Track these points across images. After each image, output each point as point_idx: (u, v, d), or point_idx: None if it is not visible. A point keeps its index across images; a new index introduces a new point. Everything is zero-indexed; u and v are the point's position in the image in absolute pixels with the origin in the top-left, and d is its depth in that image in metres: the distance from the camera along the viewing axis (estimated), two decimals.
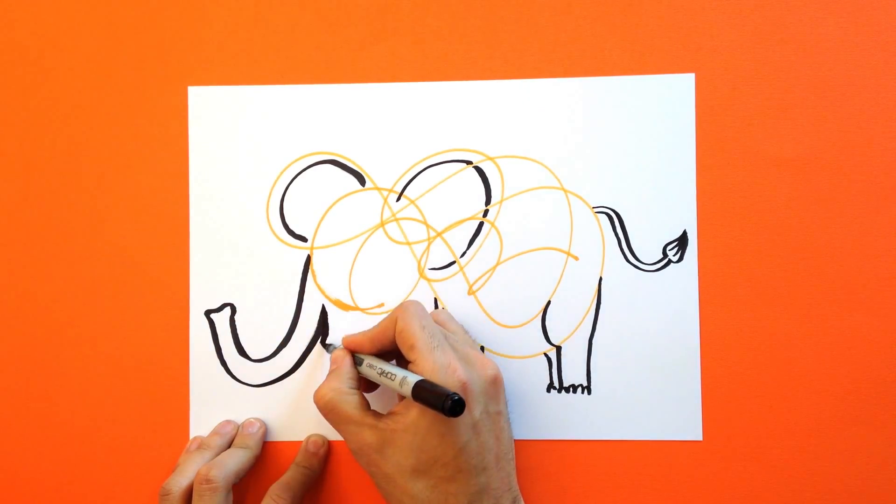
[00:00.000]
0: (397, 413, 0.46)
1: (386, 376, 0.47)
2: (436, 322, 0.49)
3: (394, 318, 0.48)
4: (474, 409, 0.45)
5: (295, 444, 0.53)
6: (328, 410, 0.47)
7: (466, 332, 0.51)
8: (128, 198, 0.54)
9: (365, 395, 0.49)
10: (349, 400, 0.47)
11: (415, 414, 0.45)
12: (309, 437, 0.52)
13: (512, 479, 0.48)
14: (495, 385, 0.47)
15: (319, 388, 0.48)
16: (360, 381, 0.50)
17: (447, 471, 0.45)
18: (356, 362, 0.50)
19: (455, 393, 0.42)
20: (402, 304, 0.48)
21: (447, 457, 0.44)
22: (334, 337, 0.53)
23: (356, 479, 0.53)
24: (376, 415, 0.47)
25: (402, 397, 0.47)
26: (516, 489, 0.48)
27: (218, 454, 0.50)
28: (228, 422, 0.53)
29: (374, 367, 0.48)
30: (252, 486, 0.53)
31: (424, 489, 0.45)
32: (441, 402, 0.42)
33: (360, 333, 0.50)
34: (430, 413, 0.44)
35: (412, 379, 0.44)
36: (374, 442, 0.46)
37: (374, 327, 0.50)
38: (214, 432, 0.52)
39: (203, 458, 0.50)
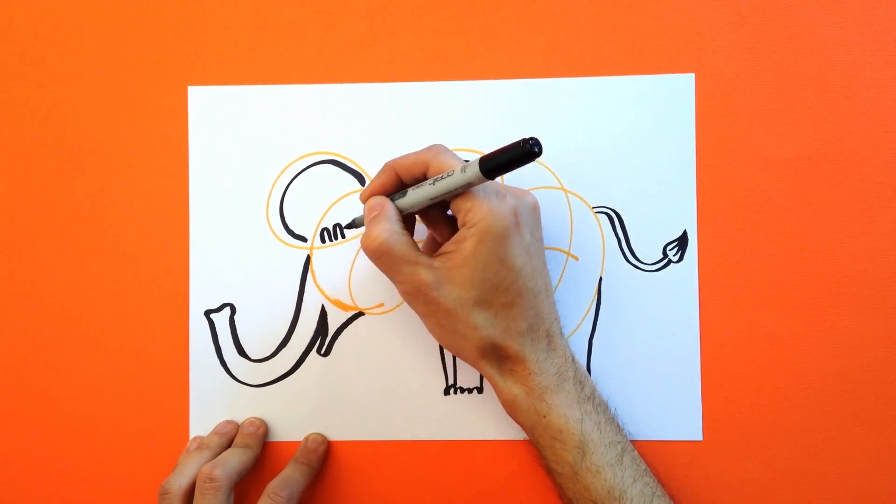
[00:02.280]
0: (451, 251, 0.45)
1: (442, 178, 0.45)
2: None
3: (424, 159, 0.46)
4: (525, 233, 0.45)
5: (294, 445, 0.53)
6: (381, 252, 0.46)
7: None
8: (128, 198, 0.54)
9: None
10: (402, 240, 0.46)
11: (471, 245, 0.44)
12: (308, 436, 0.52)
13: (556, 311, 0.48)
14: (536, 212, 0.47)
15: (368, 232, 0.46)
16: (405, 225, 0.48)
17: (508, 296, 0.45)
18: (395, 199, 0.48)
19: (530, 138, 0.41)
20: (430, 147, 0.47)
21: (507, 281, 0.45)
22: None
23: (356, 479, 0.53)
24: (428, 255, 0.46)
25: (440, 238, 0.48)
26: (560, 322, 0.49)
27: (218, 454, 0.50)
28: (228, 422, 0.53)
29: (421, 185, 0.46)
30: (251, 485, 0.53)
31: (487, 318, 0.45)
32: (520, 147, 0.40)
33: (379, 176, 0.48)
34: (490, 238, 0.44)
35: (473, 158, 0.43)
36: (432, 280, 0.45)
37: (396, 166, 0.48)
38: (214, 432, 0.52)
39: (203, 457, 0.50)
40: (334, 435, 0.53)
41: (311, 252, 0.53)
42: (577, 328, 0.52)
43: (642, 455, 0.52)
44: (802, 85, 0.52)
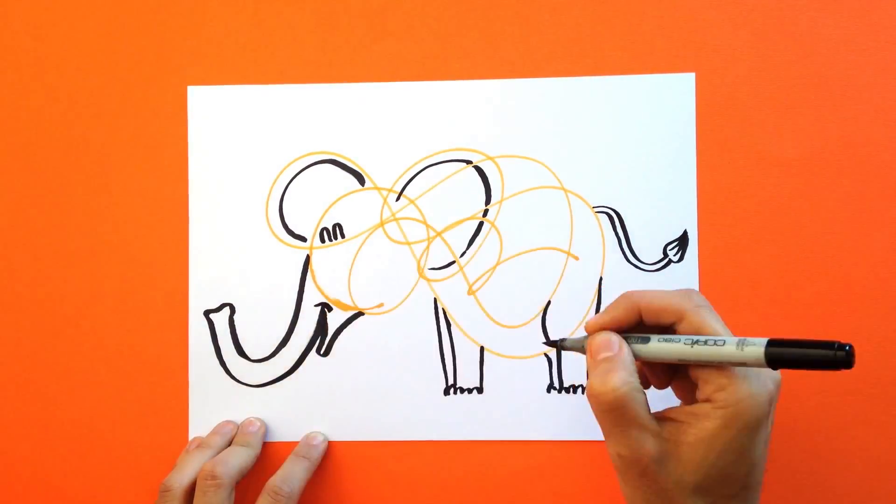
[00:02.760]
0: (682, 422, 0.40)
1: (707, 344, 0.38)
2: None
3: (679, 308, 0.40)
4: (769, 422, 0.40)
5: (294, 445, 0.52)
6: (614, 408, 0.39)
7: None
8: (127, 198, 0.54)
9: None
10: (640, 398, 0.40)
11: (714, 426, 0.38)
12: (308, 433, 0.52)
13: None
14: (779, 391, 0.41)
15: (603, 379, 0.40)
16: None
17: (733, 489, 0.39)
18: (633, 342, 0.41)
19: (840, 342, 0.35)
20: (688, 296, 0.41)
21: (739, 473, 0.39)
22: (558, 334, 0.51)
23: (356, 480, 0.53)
24: (658, 419, 0.40)
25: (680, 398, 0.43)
26: None
27: (218, 453, 0.50)
28: (228, 422, 0.52)
29: (674, 341, 0.40)
30: (251, 483, 0.52)
31: None
32: (827, 353, 0.35)
33: (617, 308, 0.42)
34: (739, 426, 0.38)
35: (758, 340, 0.37)
36: (656, 452, 0.39)
37: (641, 303, 0.41)
38: (215, 432, 0.52)
39: (203, 455, 0.50)
40: (334, 435, 0.53)
41: (311, 252, 0.53)
42: (577, 328, 0.52)
43: None
44: (802, 85, 0.52)
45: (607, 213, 0.52)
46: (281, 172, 0.53)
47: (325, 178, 0.53)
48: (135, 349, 0.53)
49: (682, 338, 0.40)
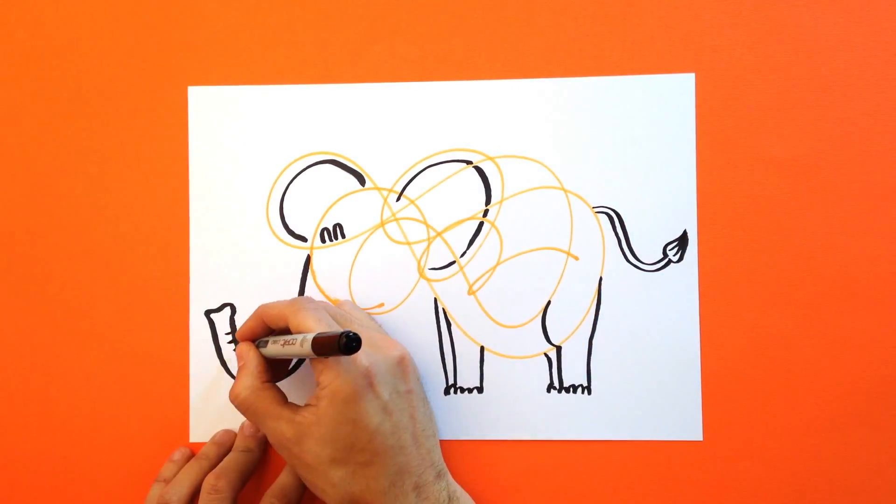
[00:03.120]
0: (310, 405, 0.46)
1: (288, 344, 0.46)
2: (336, 312, 0.49)
3: (284, 314, 0.47)
4: (382, 392, 0.46)
5: None
6: (245, 409, 0.48)
7: (371, 318, 0.52)
8: (128, 198, 0.54)
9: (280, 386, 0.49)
10: (264, 395, 0.47)
11: (325, 404, 0.45)
12: None
13: (434, 454, 0.48)
14: (402, 364, 0.47)
15: (233, 387, 0.48)
16: (271, 371, 0.49)
17: (364, 455, 0.45)
18: (260, 346, 0.49)
19: (349, 330, 0.42)
20: (293, 302, 0.48)
21: (362, 442, 0.45)
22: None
23: None
24: (293, 407, 0.47)
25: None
26: (441, 464, 0.49)
27: (216, 464, 0.50)
28: (226, 431, 0.52)
29: (276, 342, 0.48)
30: (249, 486, 0.52)
31: (345, 476, 0.45)
32: (336, 341, 0.42)
33: (249, 320, 0.50)
34: (339, 401, 0.44)
35: (310, 336, 0.44)
36: (292, 435, 0.46)
37: (263, 314, 0.49)
38: (212, 442, 0.52)
39: (202, 468, 0.50)
40: None
41: (312, 252, 0.53)
42: (577, 328, 0.52)
43: (642, 455, 0.52)
44: (802, 85, 0.52)
45: (607, 213, 0.53)
46: (281, 173, 0.53)
47: (326, 179, 0.53)
48: (135, 349, 0.53)
49: (280, 338, 0.47)
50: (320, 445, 0.45)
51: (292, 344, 0.46)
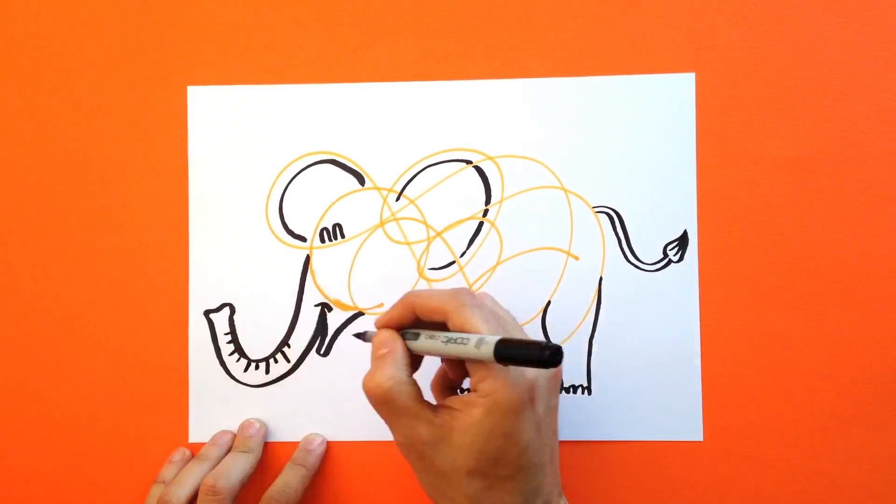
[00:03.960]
0: (457, 410, 0.42)
1: (455, 342, 0.42)
2: (488, 310, 0.44)
3: (445, 309, 0.43)
4: (539, 407, 0.42)
5: (294, 445, 0.52)
6: (384, 401, 0.43)
7: (514, 319, 0.47)
8: (128, 198, 0.54)
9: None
10: (407, 390, 0.43)
11: (479, 413, 0.41)
12: (306, 436, 0.52)
13: (559, 474, 0.46)
14: (557, 379, 0.44)
15: (372, 375, 0.43)
16: (413, 366, 0.45)
17: (507, 470, 0.42)
18: (408, 338, 0.45)
19: (550, 343, 0.38)
20: (455, 296, 0.44)
21: (510, 456, 0.42)
22: (358, 328, 0.51)
23: (356, 480, 0.53)
24: (432, 407, 0.43)
25: (446, 389, 0.46)
26: (560, 483, 0.46)
27: (216, 464, 0.50)
28: (225, 432, 0.52)
29: (435, 338, 0.43)
30: (249, 486, 0.52)
31: (481, 489, 0.42)
32: (538, 352, 0.38)
33: (396, 308, 0.45)
34: (498, 413, 0.41)
35: (491, 339, 0.40)
36: (429, 438, 0.42)
37: (416, 304, 0.45)
38: (212, 443, 0.52)
39: (202, 469, 0.50)
40: (334, 435, 0.52)
41: (311, 252, 0.53)
42: (577, 328, 0.52)
43: (642, 455, 0.52)
44: (802, 85, 0.52)
45: (607, 213, 0.52)
46: (281, 172, 0.53)
47: (325, 178, 0.53)
48: (135, 349, 0.53)
49: (441, 335, 0.43)
50: (461, 454, 0.42)
51: (460, 343, 0.42)
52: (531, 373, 0.42)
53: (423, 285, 0.53)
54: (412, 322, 0.45)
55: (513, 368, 0.41)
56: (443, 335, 0.43)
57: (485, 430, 0.41)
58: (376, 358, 0.44)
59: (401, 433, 0.43)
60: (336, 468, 0.53)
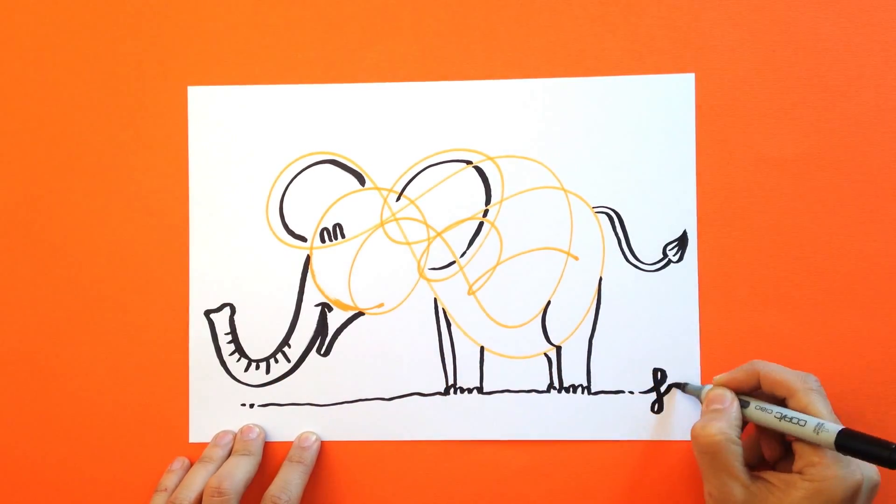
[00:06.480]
0: (772, 483, 0.45)
1: (791, 421, 0.45)
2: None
3: (792, 388, 0.46)
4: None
5: None
6: (710, 452, 0.46)
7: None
8: (128, 198, 0.54)
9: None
10: (734, 449, 0.46)
11: (798, 496, 0.43)
12: (301, 434, 0.52)
13: None
14: (877, 489, 0.46)
15: (704, 425, 0.47)
16: (741, 428, 0.48)
17: None
18: (742, 404, 0.48)
19: (893, 443, 0.40)
20: (806, 379, 0.47)
21: None
22: (685, 377, 0.52)
23: (357, 480, 0.53)
24: (749, 473, 0.46)
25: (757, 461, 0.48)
26: None
27: (220, 465, 0.50)
28: (226, 432, 0.52)
29: (767, 411, 0.46)
30: (249, 486, 0.52)
31: None
32: (883, 450, 0.40)
33: (742, 371, 0.49)
34: (819, 501, 0.43)
35: (833, 427, 0.42)
36: (741, 501, 0.45)
37: (763, 374, 0.48)
38: (215, 444, 0.52)
39: (207, 470, 0.50)
40: (334, 435, 0.53)
41: (311, 252, 0.53)
42: (577, 328, 0.52)
43: (642, 455, 0.52)
44: (802, 85, 0.52)
45: (607, 214, 0.52)
46: (281, 172, 0.53)
47: (326, 179, 0.53)
48: (135, 349, 0.53)
49: (775, 409, 0.46)
50: None
51: (796, 423, 0.44)
52: (859, 474, 0.44)
53: (423, 285, 0.53)
54: (752, 387, 0.48)
55: (843, 465, 0.43)
56: (776, 410, 0.46)
57: None
58: (710, 410, 0.48)
59: (715, 486, 0.46)
60: (336, 468, 0.53)
